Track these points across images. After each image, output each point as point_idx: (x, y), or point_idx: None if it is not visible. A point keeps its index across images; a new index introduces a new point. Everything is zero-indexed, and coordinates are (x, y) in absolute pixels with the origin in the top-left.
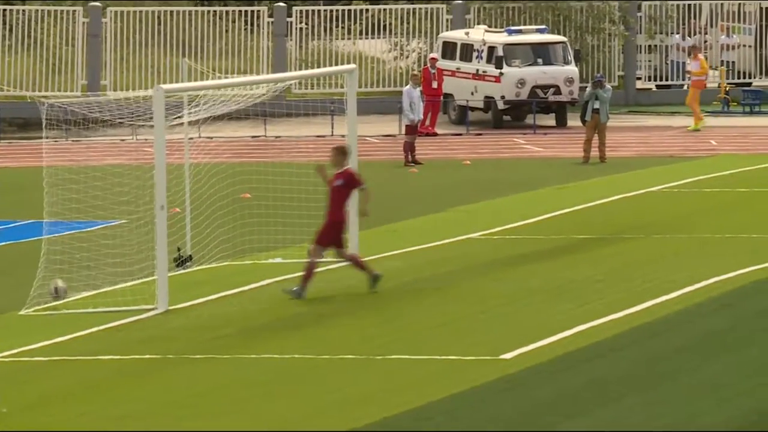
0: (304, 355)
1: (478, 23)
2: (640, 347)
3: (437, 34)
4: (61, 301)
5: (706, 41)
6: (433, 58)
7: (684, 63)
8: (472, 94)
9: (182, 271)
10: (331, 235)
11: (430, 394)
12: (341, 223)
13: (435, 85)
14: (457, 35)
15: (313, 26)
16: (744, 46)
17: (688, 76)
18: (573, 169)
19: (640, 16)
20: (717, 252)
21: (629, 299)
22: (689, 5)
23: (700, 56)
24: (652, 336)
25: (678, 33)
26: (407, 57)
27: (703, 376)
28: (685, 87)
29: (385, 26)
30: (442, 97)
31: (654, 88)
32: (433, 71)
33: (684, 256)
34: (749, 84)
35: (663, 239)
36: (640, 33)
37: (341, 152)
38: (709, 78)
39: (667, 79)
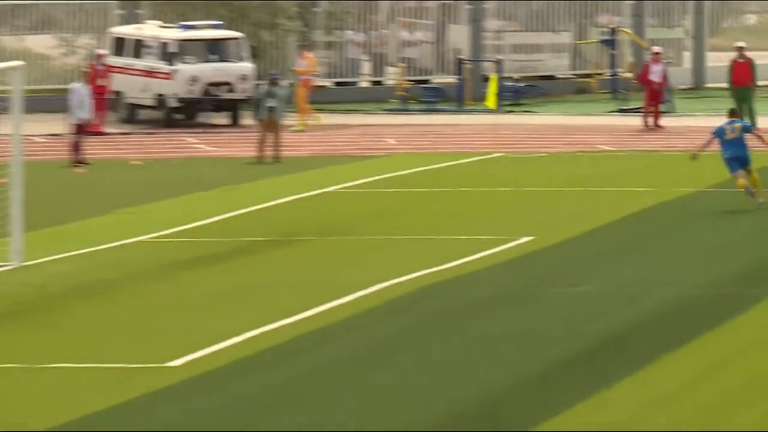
0: None
1: (151, 19)
2: (314, 353)
3: (108, 29)
4: None
5: (382, 37)
6: (99, 54)
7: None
8: (144, 91)
9: None
10: None
11: (94, 404)
12: None
13: (103, 82)
14: (128, 31)
15: None
16: (425, 42)
17: (296, 75)
18: (247, 168)
19: (318, 12)
20: (393, 254)
21: (303, 303)
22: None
23: (308, 55)
24: (326, 341)
25: (353, 29)
26: (76, 53)
27: (376, 383)
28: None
29: (53, 22)
30: (114, 95)
31: (331, 86)
32: (101, 68)
33: (360, 258)
34: (427, 81)
35: (339, 241)
36: (318, 29)
37: None
38: (388, 75)
39: (344, 77)
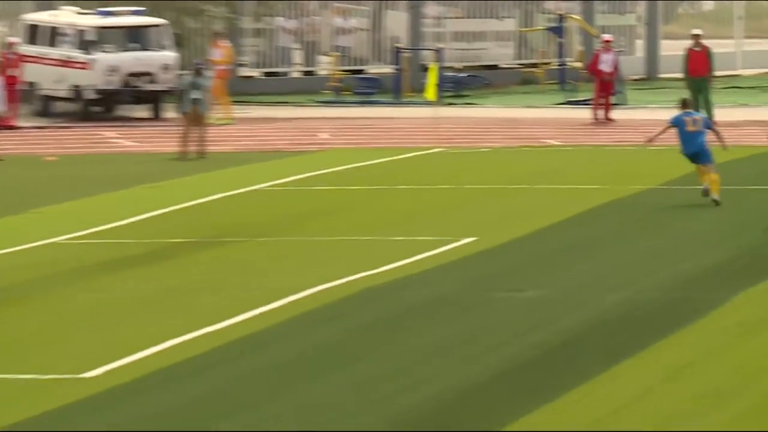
0: None
1: (68, 4)
2: (243, 361)
3: (21, 16)
4: None
5: (314, 24)
6: (11, 42)
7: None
8: (59, 82)
9: None
10: None
11: (1, 419)
12: None
13: (15, 72)
14: (43, 17)
15: None
16: (360, 30)
17: (212, 66)
18: (170, 165)
19: None
20: (327, 256)
21: (231, 308)
22: None
23: (223, 43)
24: (256, 349)
25: (283, 16)
26: None
27: (311, 393)
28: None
29: None
30: (28, 86)
31: (260, 76)
32: (13, 57)
33: (292, 260)
34: (362, 71)
35: (269, 242)
36: (246, 15)
37: None
38: (320, 65)
39: (274, 66)
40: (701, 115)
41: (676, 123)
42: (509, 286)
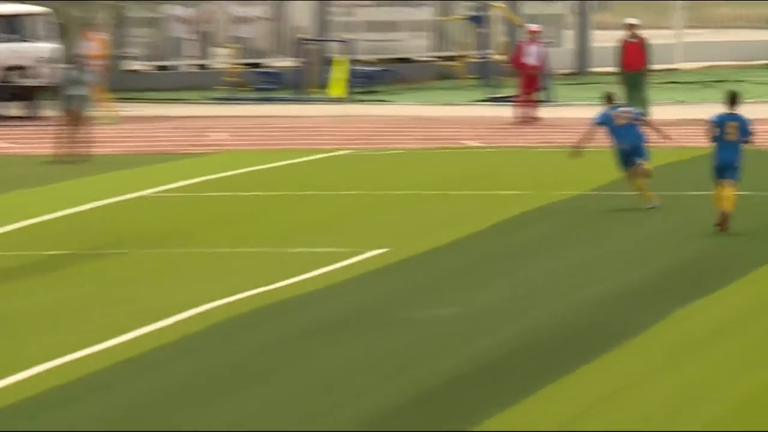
0: None
1: None
2: (126, 386)
3: None
4: None
5: (210, 13)
6: None
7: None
8: None
9: None
10: None
11: None
12: None
13: None
14: None
15: None
16: (261, 19)
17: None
18: (46, 168)
19: None
20: (220, 270)
21: (111, 329)
22: None
23: (97, 35)
24: (140, 372)
25: (175, 3)
26: None
27: (202, 424)
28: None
29: None
30: None
31: (149, 69)
32: None
33: (181, 275)
34: (261, 65)
35: (155, 254)
36: (135, 3)
37: None
38: (216, 58)
39: (165, 59)
40: (629, 107)
41: (604, 121)
42: (423, 302)
